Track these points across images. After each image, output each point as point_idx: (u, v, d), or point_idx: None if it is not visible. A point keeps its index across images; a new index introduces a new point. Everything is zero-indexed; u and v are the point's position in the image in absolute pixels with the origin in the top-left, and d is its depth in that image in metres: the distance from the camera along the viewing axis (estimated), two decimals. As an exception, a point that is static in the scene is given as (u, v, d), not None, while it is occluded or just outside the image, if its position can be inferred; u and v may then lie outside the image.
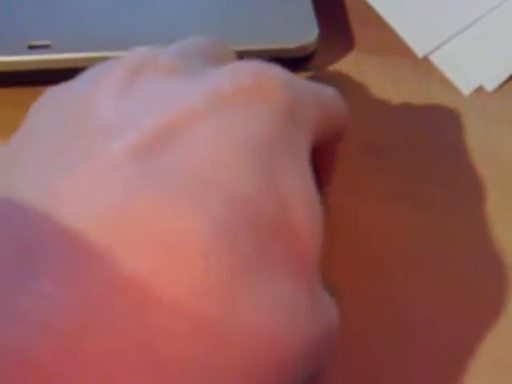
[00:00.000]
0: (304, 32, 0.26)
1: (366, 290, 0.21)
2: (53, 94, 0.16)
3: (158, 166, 0.12)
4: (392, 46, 0.28)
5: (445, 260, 0.22)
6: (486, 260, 0.22)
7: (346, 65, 0.28)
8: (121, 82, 0.15)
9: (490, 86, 0.28)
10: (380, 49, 0.28)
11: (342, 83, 0.27)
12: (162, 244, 0.11)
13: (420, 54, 0.28)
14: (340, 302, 0.21)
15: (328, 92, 0.19)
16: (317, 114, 0.17)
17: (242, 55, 0.19)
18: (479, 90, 0.28)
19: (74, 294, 0.11)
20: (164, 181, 0.12)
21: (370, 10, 0.28)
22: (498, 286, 0.21)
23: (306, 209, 0.14)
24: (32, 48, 0.24)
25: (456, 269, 0.22)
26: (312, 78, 0.27)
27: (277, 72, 0.15)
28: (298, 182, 0.14)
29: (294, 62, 0.25)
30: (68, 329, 0.10)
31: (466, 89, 0.28)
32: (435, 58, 0.28)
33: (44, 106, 0.16)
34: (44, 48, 0.24)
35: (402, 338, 0.20)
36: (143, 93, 0.14)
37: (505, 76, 0.28)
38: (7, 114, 0.24)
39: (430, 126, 0.26)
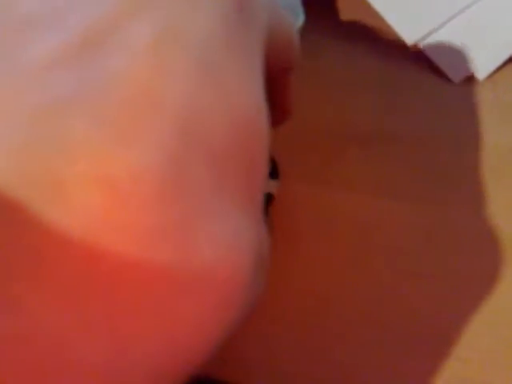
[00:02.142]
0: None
1: (352, 282, 0.20)
2: None
3: (89, 76, 0.10)
4: (381, 34, 0.28)
5: (433, 251, 0.21)
6: (473, 250, 0.21)
7: (333, 53, 0.27)
8: None
9: (480, 75, 0.27)
10: (368, 37, 0.28)
11: (328, 71, 0.26)
12: (103, 184, 0.09)
13: (409, 42, 0.27)
14: (326, 292, 0.20)
15: (282, 13, 0.16)
16: (268, 26, 0.14)
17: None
18: (470, 79, 0.27)
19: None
20: (99, 96, 0.10)
21: (358, -3, 0.27)
22: (491, 279, 0.21)
23: (260, 129, 0.12)
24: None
25: (445, 261, 0.21)
26: (297, 66, 0.26)
27: None
28: (253, 96, 0.12)
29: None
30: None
31: (456, 77, 0.27)
32: (425, 47, 0.27)
33: None
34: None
35: (388, 328, 0.19)
36: None
37: (495, 65, 0.27)
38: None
39: (419, 115, 0.25)
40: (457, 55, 0.27)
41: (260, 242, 0.12)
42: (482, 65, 0.27)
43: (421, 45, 0.27)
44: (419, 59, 0.27)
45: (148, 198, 0.10)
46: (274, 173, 0.23)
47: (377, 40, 0.28)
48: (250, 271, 0.11)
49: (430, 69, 0.27)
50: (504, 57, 0.27)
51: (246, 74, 0.12)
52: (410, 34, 0.27)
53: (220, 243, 0.11)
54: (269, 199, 0.22)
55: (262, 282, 0.13)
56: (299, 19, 0.25)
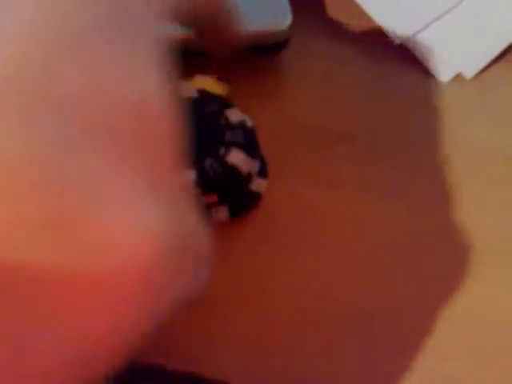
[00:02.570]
0: (277, 19, 0.25)
1: (339, 280, 0.21)
2: None
3: None
4: (369, 32, 0.28)
5: (418, 249, 0.21)
6: (452, 249, 0.22)
7: (321, 52, 0.27)
8: None
9: (468, 74, 0.27)
10: (356, 36, 0.28)
11: (316, 70, 0.26)
12: None
13: (397, 40, 0.27)
14: (313, 291, 0.21)
15: None
16: None
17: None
18: (458, 77, 0.27)
19: None
20: None
21: (346, -4, 0.28)
22: (465, 278, 0.21)
23: (154, 114, 0.12)
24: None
25: (427, 258, 0.21)
26: (286, 66, 0.26)
27: None
28: (137, 82, 0.12)
29: (267, 48, 0.25)
30: None
31: (444, 76, 0.27)
32: (412, 45, 0.27)
33: None
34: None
35: (366, 326, 0.20)
36: None
37: (484, 63, 0.27)
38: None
39: (407, 113, 0.26)
40: (444, 54, 0.27)
41: (179, 227, 0.12)
42: (470, 64, 0.27)
43: (408, 43, 0.27)
44: (407, 58, 0.27)
45: (20, 190, 0.09)
46: (262, 171, 0.23)
47: (364, 39, 0.28)
48: (159, 259, 0.11)
49: (417, 67, 0.27)
50: (491, 55, 0.27)
51: (128, 60, 0.11)
52: (398, 32, 0.27)
53: (114, 234, 0.10)
54: (257, 197, 0.22)
55: (189, 269, 0.12)
56: (287, 19, 0.25)
